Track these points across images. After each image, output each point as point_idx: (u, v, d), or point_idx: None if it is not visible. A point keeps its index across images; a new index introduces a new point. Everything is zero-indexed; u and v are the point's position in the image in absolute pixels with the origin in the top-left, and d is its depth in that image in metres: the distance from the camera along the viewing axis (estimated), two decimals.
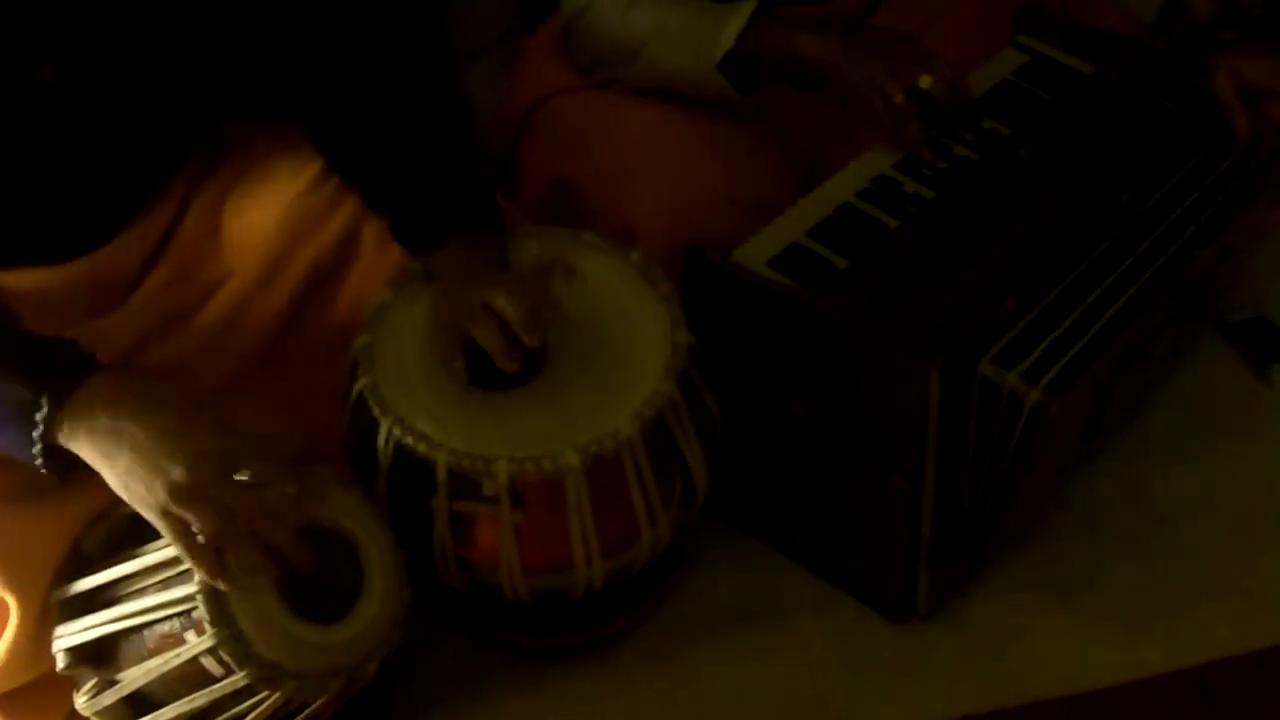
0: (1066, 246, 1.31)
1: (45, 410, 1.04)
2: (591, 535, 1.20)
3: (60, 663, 1.13)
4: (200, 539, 1.04)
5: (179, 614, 1.08)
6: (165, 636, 1.09)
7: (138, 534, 1.13)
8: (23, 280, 1.24)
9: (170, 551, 1.08)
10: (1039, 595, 1.40)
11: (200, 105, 1.30)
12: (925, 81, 1.38)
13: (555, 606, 1.27)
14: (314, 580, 1.12)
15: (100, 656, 1.12)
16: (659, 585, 1.38)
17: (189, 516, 1.03)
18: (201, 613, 1.06)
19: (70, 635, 1.12)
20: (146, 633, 1.10)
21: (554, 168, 1.53)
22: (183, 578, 1.07)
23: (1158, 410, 1.57)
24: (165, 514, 1.03)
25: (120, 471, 1.04)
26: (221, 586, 1.05)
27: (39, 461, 1.05)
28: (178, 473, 1.02)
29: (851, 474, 1.30)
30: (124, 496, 1.05)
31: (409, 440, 1.17)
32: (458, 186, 1.29)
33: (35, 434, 1.04)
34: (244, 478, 1.06)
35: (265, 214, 1.30)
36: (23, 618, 1.13)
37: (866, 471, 1.28)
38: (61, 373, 1.06)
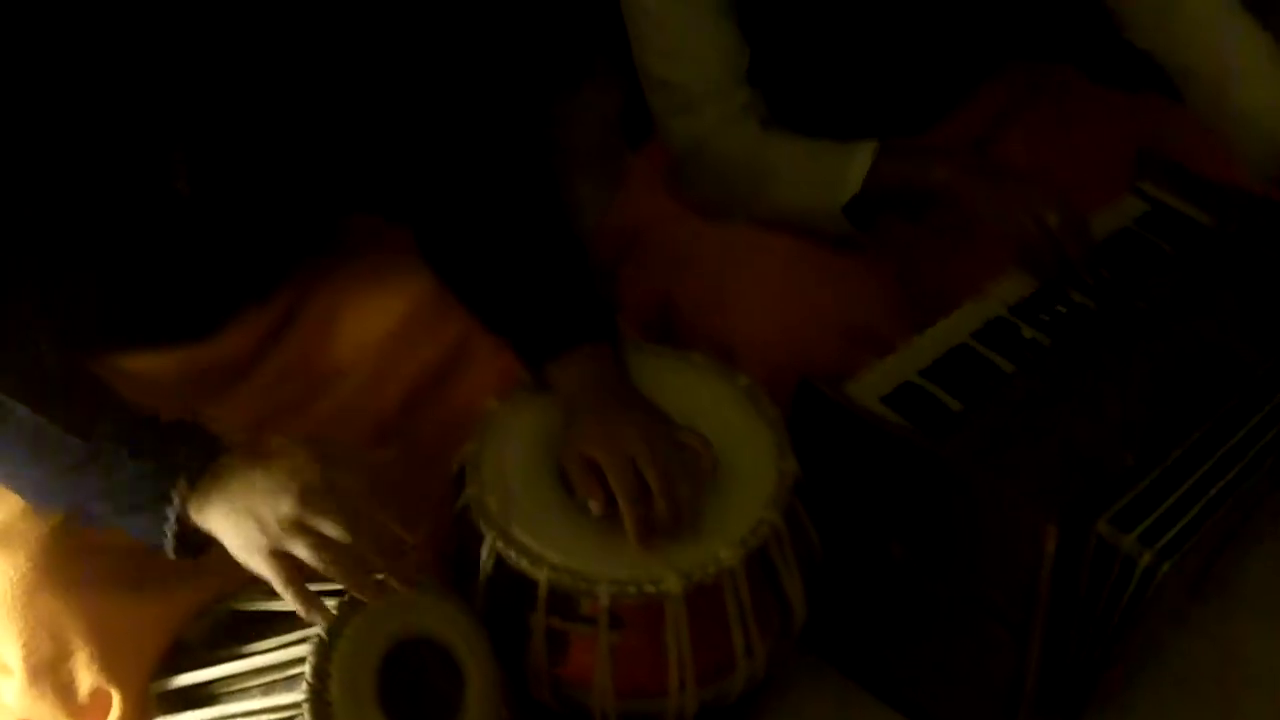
0: (1185, 405, 1.29)
1: (182, 485, 1.06)
2: (688, 662, 1.19)
3: None
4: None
5: None
6: None
7: (240, 631, 1.14)
8: (135, 363, 1.26)
9: (275, 656, 1.09)
10: None
11: (322, 208, 1.32)
12: (1052, 220, 1.38)
13: None
14: (412, 691, 1.11)
15: None
16: (748, 717, 1.36)
17: (296, 549, 1.04)
18: None
19: None
20: None
21: (657, 285, 1.52)
22: (288, 684, 1.07)
23: (1253, 567, 1.53)
24: (274, 554, 1.04)
25: (238, 521, 1.05)
26: (319, 621, 1.06)
27: (169, 540, 1.06)
28: (287, 505, 1.04)
29: (954, 620, 1.27)
30: (241, 553, 1.06)
31: (512, 555, 1.16)
32: (574, 300, 1.30)
33: (170, 510, 1.05)
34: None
35: (381, 315, 1.31)
36: (124, 709, 1.14)
37: (970, 619, 1.26)
38: (197, 449, 1.08)
